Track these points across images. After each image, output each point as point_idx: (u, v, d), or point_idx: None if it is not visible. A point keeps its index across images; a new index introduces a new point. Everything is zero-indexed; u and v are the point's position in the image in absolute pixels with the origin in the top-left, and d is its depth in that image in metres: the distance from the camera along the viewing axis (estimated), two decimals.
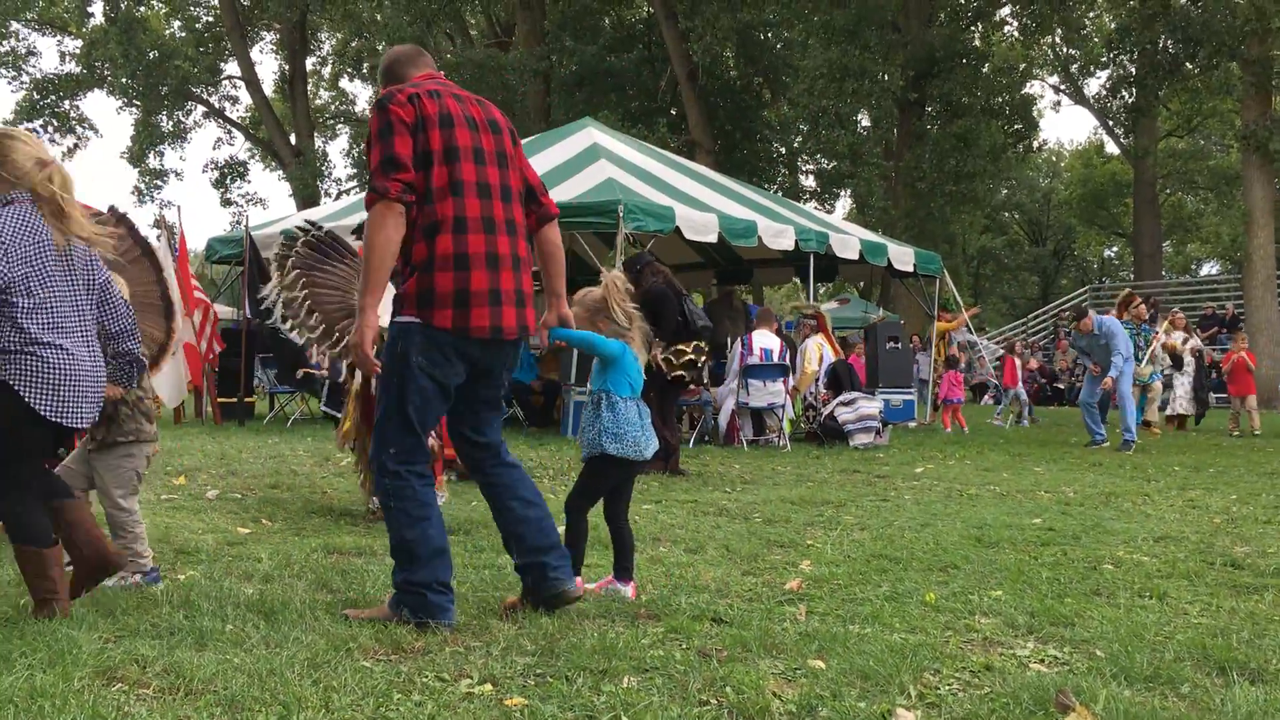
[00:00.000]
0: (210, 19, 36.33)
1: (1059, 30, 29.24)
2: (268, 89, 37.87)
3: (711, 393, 11.39)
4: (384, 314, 3.48)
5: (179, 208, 22.78)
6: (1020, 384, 16.49)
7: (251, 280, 12.90)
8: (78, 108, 36.65)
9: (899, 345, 14.79)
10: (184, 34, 36.63)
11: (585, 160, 13.04)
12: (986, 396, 22.41)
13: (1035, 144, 34.10)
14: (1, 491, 3.43)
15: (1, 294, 3.27)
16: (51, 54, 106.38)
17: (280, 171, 36.96)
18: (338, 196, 34.02)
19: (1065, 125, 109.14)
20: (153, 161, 37.33)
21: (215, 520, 5.56)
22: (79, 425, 3.47)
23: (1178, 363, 14.72)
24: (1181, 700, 2.86)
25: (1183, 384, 15.03)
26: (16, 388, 3.30)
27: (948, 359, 15.68)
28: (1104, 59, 27.69)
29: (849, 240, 13.73)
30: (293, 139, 35.76)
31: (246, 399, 13.29)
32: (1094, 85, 38.18)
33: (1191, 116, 34.51)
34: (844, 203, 37.11)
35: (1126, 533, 5.59)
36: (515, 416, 12.94)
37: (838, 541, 5.22)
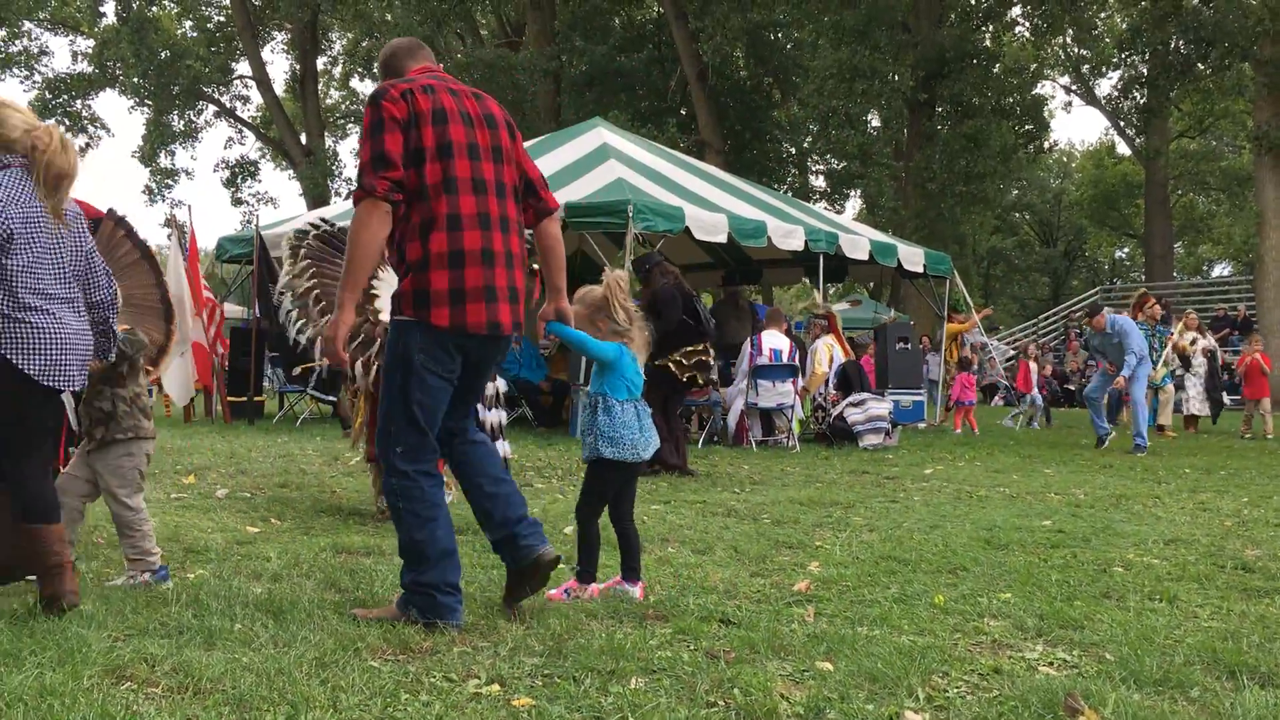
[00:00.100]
0: (221, 19, 36.45)
1: (1070, 30, 29.18)
2: (279, 89, 38.00)
3: (721, 393, 11.38)
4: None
5: (190, 207, 22.65)
6: (1036, 388, 16.42)
7: (261, 279, 12.94)
8: (90, 107, 36.90)
9: (908, 346, 14.75)
10: (195, 34, 36.75)
11: (595, 160, 13.04)
12: (997, 398, 22.35)
13: (1046, 145, 34.00)
14: (13, 460, 3.46)
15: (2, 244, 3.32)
16: (64, 53, 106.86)
17: (291, 171, 37.10)
18: (348, 196, 34.01)
19: (1076, 126, 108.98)
20: (164, 161, 37.56)
21: (224, 519, 5.58)
22: (70, 388, 3.50)
23: (1185, 363, 14.66)
24: (1191, 704, 2.84)
25: (1194, 384, 14.97)
26: (6, 355, 3.33)
27: (960, 360, 15.64)
28: (1115, 59, 27.64)
29: (859, 241, 13.71)
30: (303, 138, 35.87)
31: (256, 398, 13.32)
32: (1105, 86, 38.15)
33: (1203, 117, 34.35)
34: (854, 203, 37.10)
35: (1137, 535, 5.57)
36: (524, 416, 12.95)
37: (846, 543, 5.21)
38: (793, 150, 31.97)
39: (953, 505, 6.71)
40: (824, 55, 23.82)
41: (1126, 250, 49.81)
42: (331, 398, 11.54)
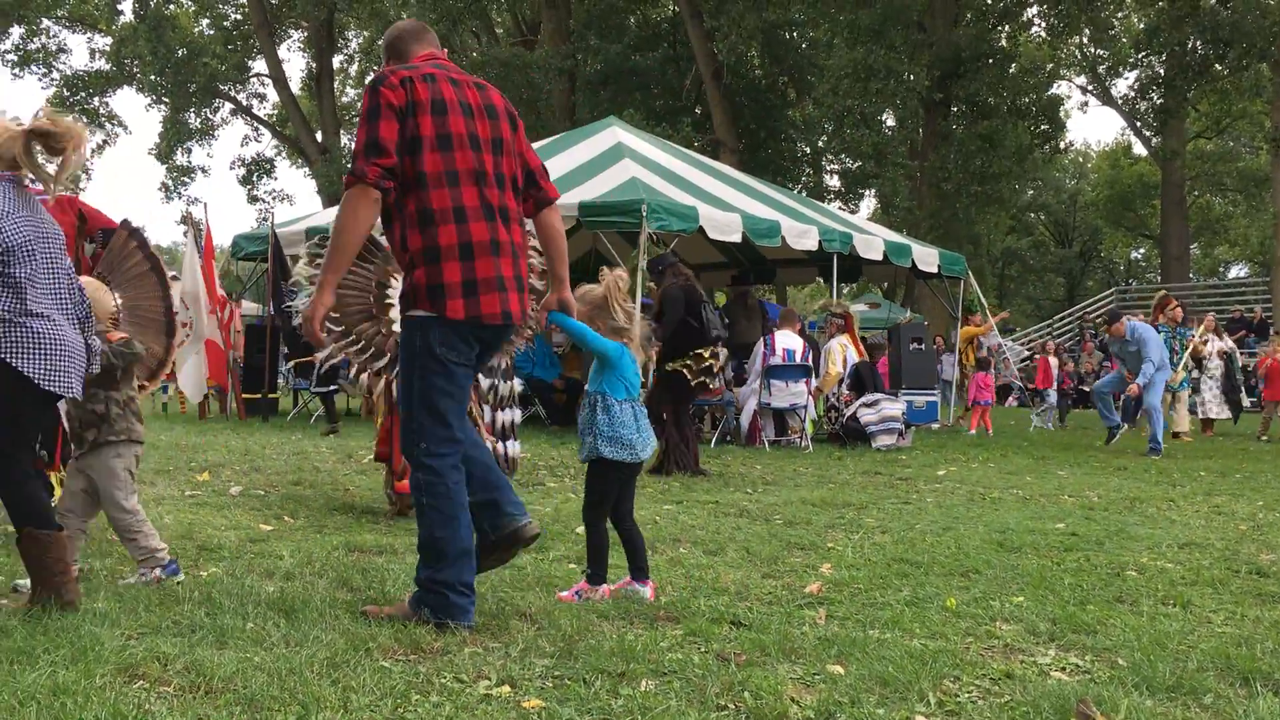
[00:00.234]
0: (238, 17, 36.58)
1: (1087, 30, 29.06)
2: (295, 86, 38.12)
3: (734, 393, 11.37)
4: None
5: (206, 204, 22.68)
6: (1056, 384, 16.32)
7: (275, 277, 12.98)
8: (107, 104, 37.14)
9: (922, 346, 14.71)
10: (212, 32, 36.91)
11: (609, 159, 13.04)
12: (1010, 398, 22.27)
13: (1062, 145, 33.85)
14: (11, 481, 3.47)
15: (4, 256, 3.33)
16: (82, 51, 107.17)
17: (306, 168, 37.21)
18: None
19: (1092, 126, 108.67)
20: (180, 158, 37.76)
21: (238, 517, 5.60)
22: (69, 394, 3.51)
23: (1198, 364, 14.56)
24: (1204, 711, 2.83)
25: (1210, 388, 14.86)
26: (7, 359, 3.34)
27: (979, 361, 15.57)
28: (1132, 59, 27.54)
29: (873, 241, 13.68)
30: (319, 136, 35.99)
31: (270, 394, 13.38)
32: (1122, 86, 37.92)
33: (1221, 118, 34.21)
34: (868, 203, 37.03)
35: (1151, 539, 5.54)
36: (538, 415, 12.97)
37: (859, 544, 5.20)
38: (807, 150, 31.94)
39: (966, 507, 6.69)
40: (839, 54, 23.79)
41: (1142, 251, 49.58)
42: (328, 388, 11.53)
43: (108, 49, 35.67)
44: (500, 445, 6.79)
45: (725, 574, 4.40)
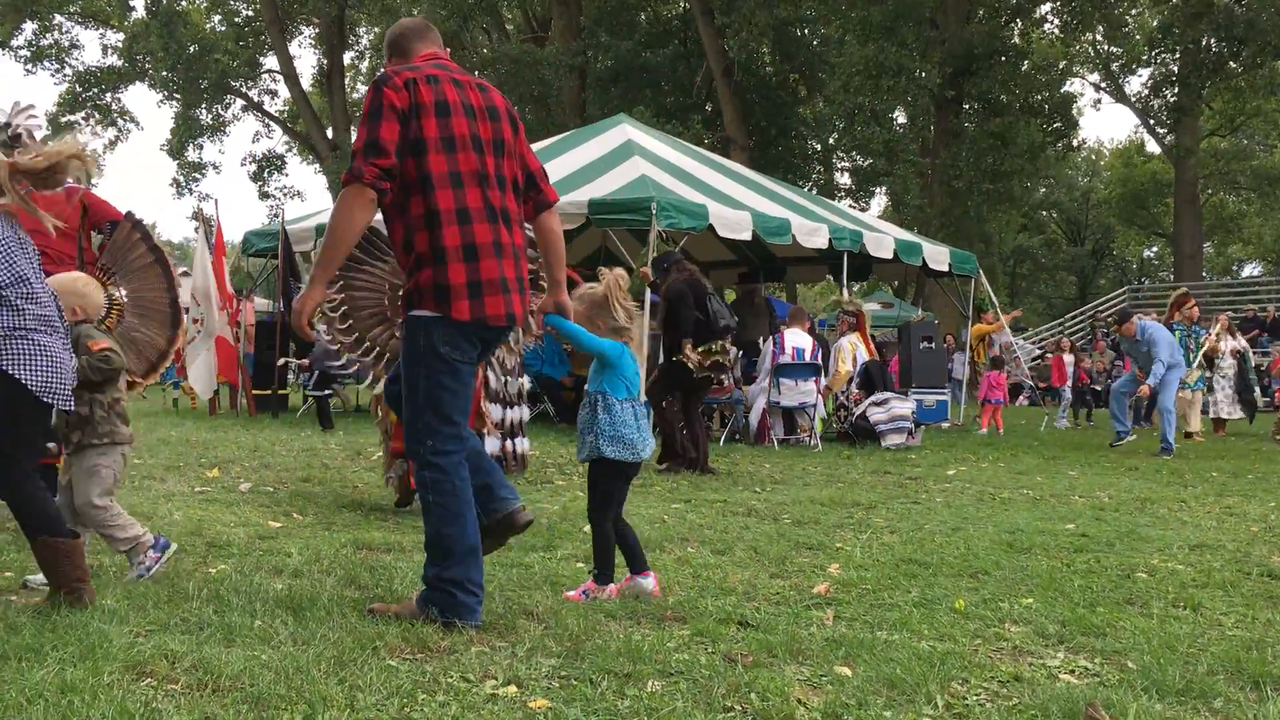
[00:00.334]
0: (250, 13, 36.69)
1: (1100, 27, 28.95)
2: (306, 83, 38.25)
3: (743, 391, 11.35)
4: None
5: (217, 200, 22.65)
6: (1071, 381, 16.24)
7: (285, 274, 13.02)
8: (119, 100, 37.31)
9: (933, 345, 14.67)
10: (224, 28, 37.02)
11: (619, 157, 13.03)
12: (1021, 397, 22.20)
13: (1074, 142, 33.73)
14: (11, 482, 3.48)
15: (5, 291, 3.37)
16: (94, 47, 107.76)
17: (317, 165, 37.29)
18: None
19: (1105, 124, 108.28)
20: (192, 154, 37.87)
21: (247, 513, 5.61)
22: (66, 408, 3.54)
23: (1209, 363, 14.48)
24: (1214, 715, 2.81)
25: (1222, 387, 14.78)
26: (10, 371, 3.36)
27: (992, 360, 15.51)
28: (1146, 57, 27.42)
29: (883, 239, 13.64)
30: (330, 133, 36.05)
31: (280, 391, 13.42)
32: (1135, 83, 37.74)
33: (1235, 116, 34.04)
34: (879, 200, 36.96)
35: (1161, 540, 5.51)
36: (546, 412, 12.97)
37: (867, 545, 5.18)
38: (818, 147, 31.91)
39: (975, 507, 6.67)
40: (850, 51, 23.74)
41: (1155, 249, 49.42)
42: (323, 393, 11.56)
43: (120, 45, 35.78)
44: (509, 443, 6.79)
45: (733, 574, 4.39)
